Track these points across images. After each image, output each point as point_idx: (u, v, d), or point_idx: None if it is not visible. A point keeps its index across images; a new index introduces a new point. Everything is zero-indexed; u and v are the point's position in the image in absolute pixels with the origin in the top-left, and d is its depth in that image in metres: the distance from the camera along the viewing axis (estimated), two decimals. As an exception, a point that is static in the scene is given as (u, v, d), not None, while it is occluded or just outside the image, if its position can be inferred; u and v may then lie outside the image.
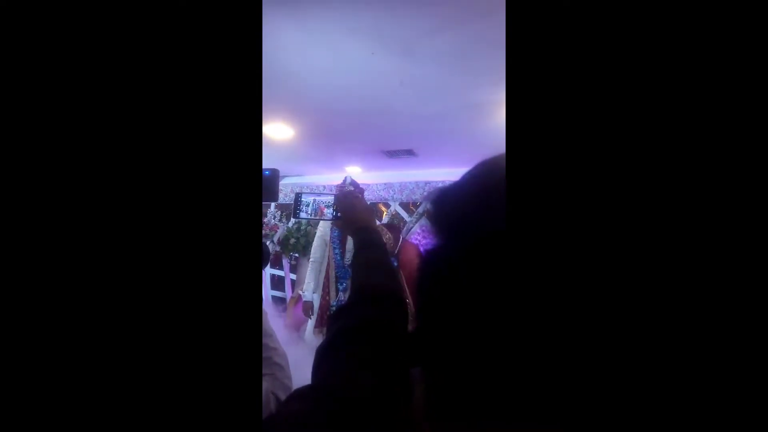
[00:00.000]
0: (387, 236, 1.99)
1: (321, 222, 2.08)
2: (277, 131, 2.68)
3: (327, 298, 1.95)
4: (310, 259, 2.05)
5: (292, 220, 3.52)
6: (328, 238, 2.00)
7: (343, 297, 1.89)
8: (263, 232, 3.43)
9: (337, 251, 1.96)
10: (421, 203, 3.19)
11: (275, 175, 0.71)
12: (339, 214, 0.65)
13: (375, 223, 0.63)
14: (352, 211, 0.63)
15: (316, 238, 2.06)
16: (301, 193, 0.68)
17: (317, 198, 0.68)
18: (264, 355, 0.78)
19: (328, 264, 1.97)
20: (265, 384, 0.73)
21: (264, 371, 0.77)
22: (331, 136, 2.78)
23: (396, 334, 0.39)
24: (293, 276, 3.64)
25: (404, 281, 1.91)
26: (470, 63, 1.70)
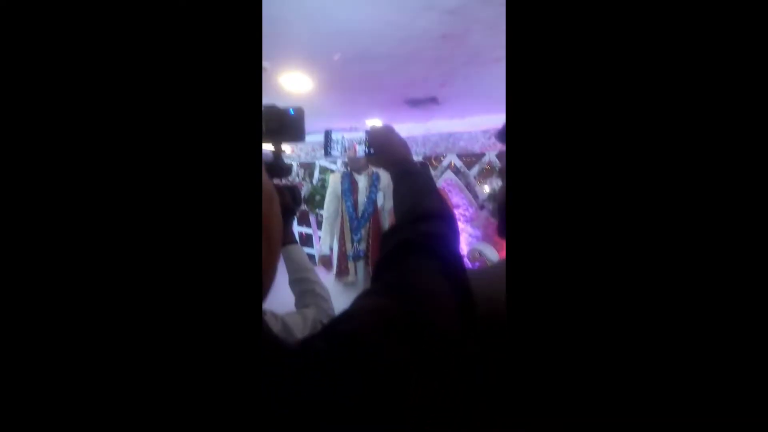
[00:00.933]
0: None
1: (331, 177, 2.05)
2: (295, 82, 2.60)
3: (343, 249, 1.97)
4: (324, 215, 2.06)
5: (316, 177, 3.53)
6: (340, 192, 1.98)
7: (359, 247, 1.90)
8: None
9: (349, 204, 1.94)
10: (445, 156, 3.07)
11: (300, 114, 0.65)
12: (372, 151, 0.61)
13: (411, 154, 0.59)
14: (389, 145, 0.60)
15: (327, 193, 2.05)
16: (330, 131, 0.65)
17: (346, 134, 0.64)
18: (307, 288, 0.83)
19: (342, 217, 1.97)
20: (312, 313, 0.77)
21: (308, 301, 0.81)
22: (350, 84, 2.67)
23: (453, 247, 0.41)
24: (321, 233, 3.73)
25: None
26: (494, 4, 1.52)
